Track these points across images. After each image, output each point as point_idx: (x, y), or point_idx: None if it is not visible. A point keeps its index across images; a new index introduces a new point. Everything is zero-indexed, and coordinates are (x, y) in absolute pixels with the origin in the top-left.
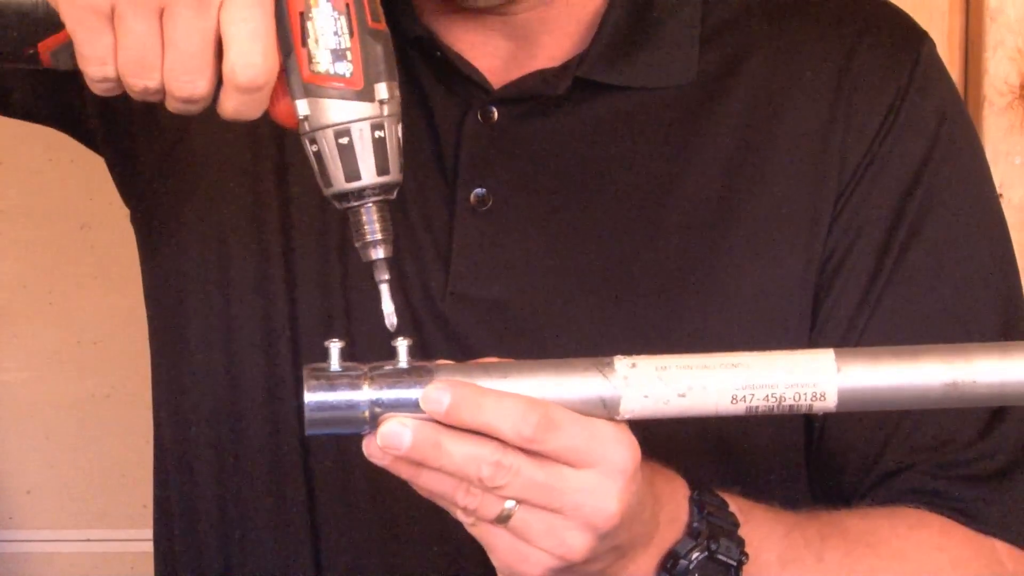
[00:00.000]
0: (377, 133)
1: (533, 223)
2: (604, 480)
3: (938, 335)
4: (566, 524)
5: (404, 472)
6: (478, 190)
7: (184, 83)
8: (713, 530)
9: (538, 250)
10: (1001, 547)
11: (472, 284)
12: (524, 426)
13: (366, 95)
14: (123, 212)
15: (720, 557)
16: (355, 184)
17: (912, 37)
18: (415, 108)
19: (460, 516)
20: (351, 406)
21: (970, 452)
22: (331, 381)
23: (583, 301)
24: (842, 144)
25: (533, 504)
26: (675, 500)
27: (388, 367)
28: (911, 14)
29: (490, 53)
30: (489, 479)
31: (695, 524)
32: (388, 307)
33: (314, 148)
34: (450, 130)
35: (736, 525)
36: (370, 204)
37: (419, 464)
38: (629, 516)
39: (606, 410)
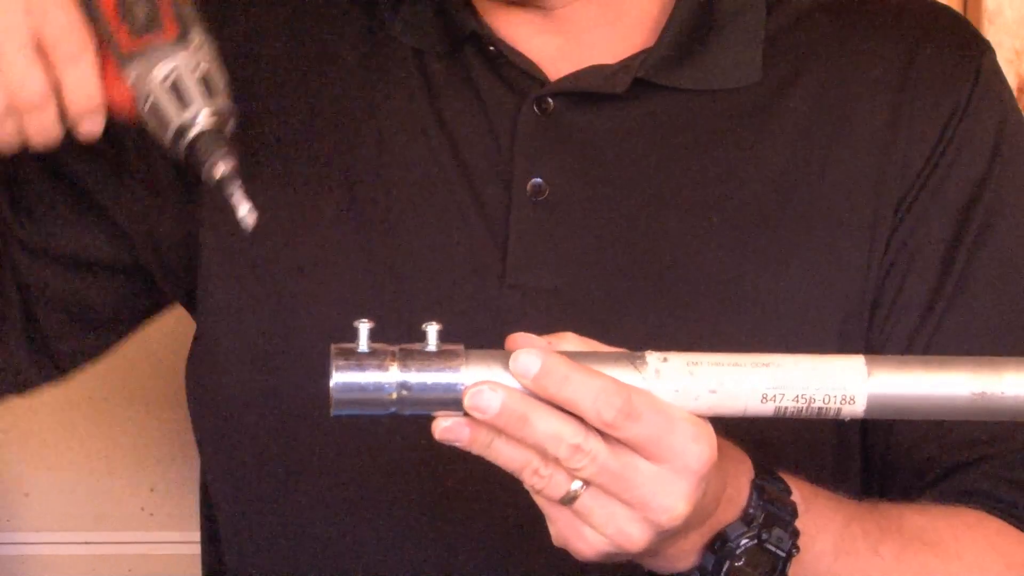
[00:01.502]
0: (200, 70)
1: (589, 215)
2: (676, 478)
3: (1002, 352)
4: (630, 515)
5: (478, 443)
6: (535, 180)
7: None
8: (768, 518)
9: (593, 242)
10: None
11: (528, 274)
12: (606, 409)
13: (182, 42)
14: None
15: (769, 547)
16: (188, 112)
17: (974, 45)
18: (470, 103)
19: (526, 484)
20: (379, 388)
21: (1021, 457)
22: (360, 361)
23: (634, 296)
24: (905, 150)
25: (604, 490)
26: (738, 482)
27: (417, 349)
28: None
29: (541, 47)
30: (566, 459)
31: (751, 510)
32: (243, 209)
33: (148, 105)
34: (506, 122)
35: (794, 515)
36: (207, 129)
37: (498, 433)
38: (695, 513)
39: None
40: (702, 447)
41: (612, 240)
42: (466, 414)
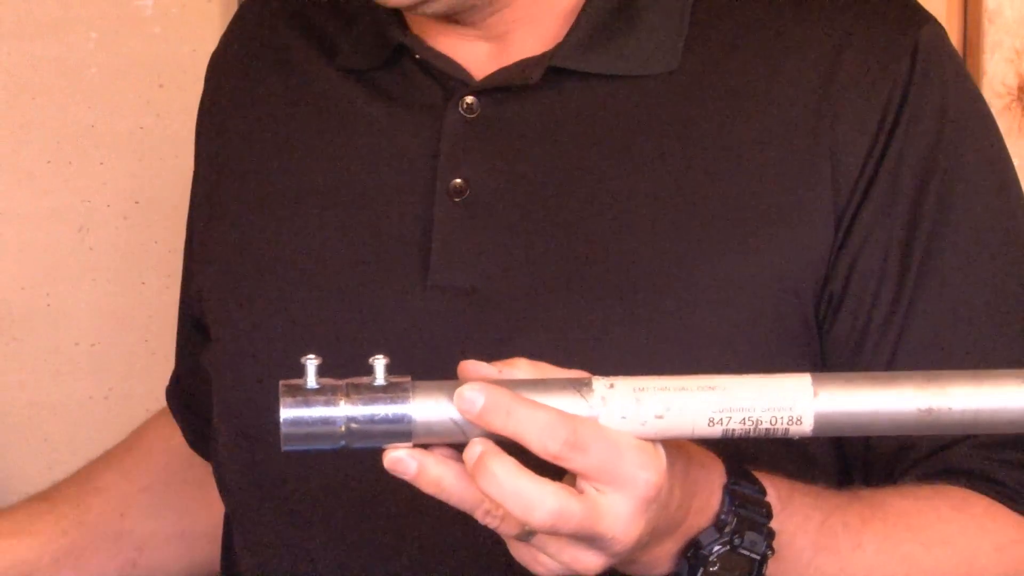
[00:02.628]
0: None
1: (510, 212)
2: (624, 504)
3: (976, 333)
4: (583, 548)
5: (425, 482)
6: (455, 180)
7: None
8: (740, 523)
9: (514, 239)
10: None
11: (450, 274)
12: (552, 442)
13: None
14: (121, 214)
15: (743, 551)
16: None
17: (910, 21)
18: (404, 110)
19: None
20: (327, 422)
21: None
22: (307, 397)
23: (557, 291)
24: (832, 140)
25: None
26: (709, 488)
27: (365, 383)
28: None
29: (470, 52)
30: (495, 524)
31: (723, 516)
32: None
33: None
34: (434, 124)
35: (768, 516)
36: None
37: (444, 478)
38: (648, 532)
39: None
40: (649, 474)
41: (533, 236)
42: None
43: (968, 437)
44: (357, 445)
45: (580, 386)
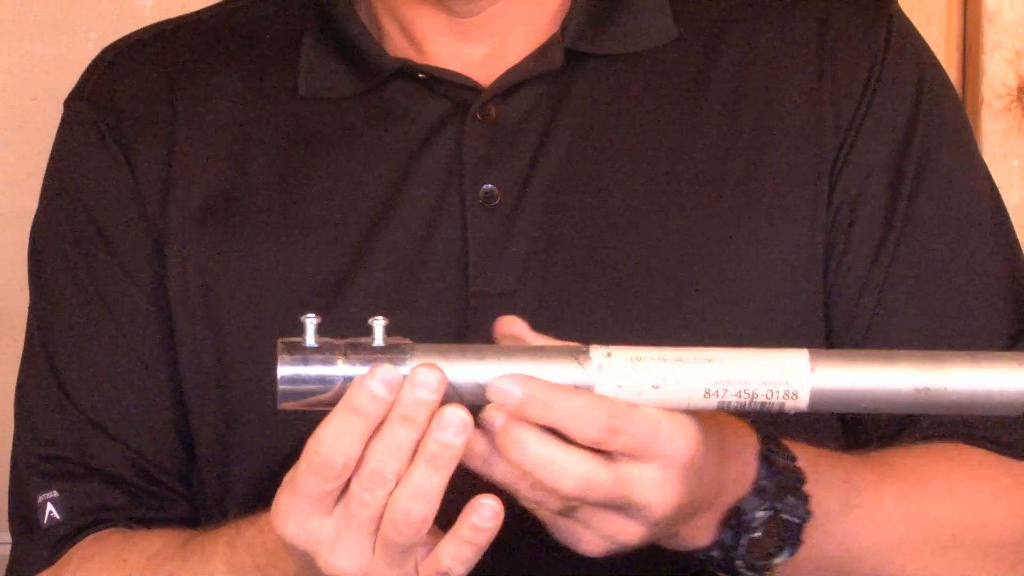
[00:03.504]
0: None
1: (542, 211)
2: (663, 473)
3: (954, 281)
4: (624, 518)
5: (473, 458)
6: (486, 186)
7: None
8: (780, 488)
9: (550, 240)
10: None
11: (489, 279)
12: (590, 428)
13: None
14: None
15: (784, 516)
16: None
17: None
18: (415, 128)
19: (524, 502)
20: (324, 380)
21: None
22: (305, 356)
23: (596, 287)
24: (833, 103)
25: (595, 504)
26: (743, 457)
27: (364, 343)
28: (908, 14)
29: (468, 56)
30: (533, 498)
31: (762, 482)
32: None
33: None
34: (452, 136)
35: (803, 481)
36: None
37: (494, 453)
38: (688, 500)
39: None
40: (681, 442)
41: (567, 232)
42: None
43: None
44: None
45: (578, 354)
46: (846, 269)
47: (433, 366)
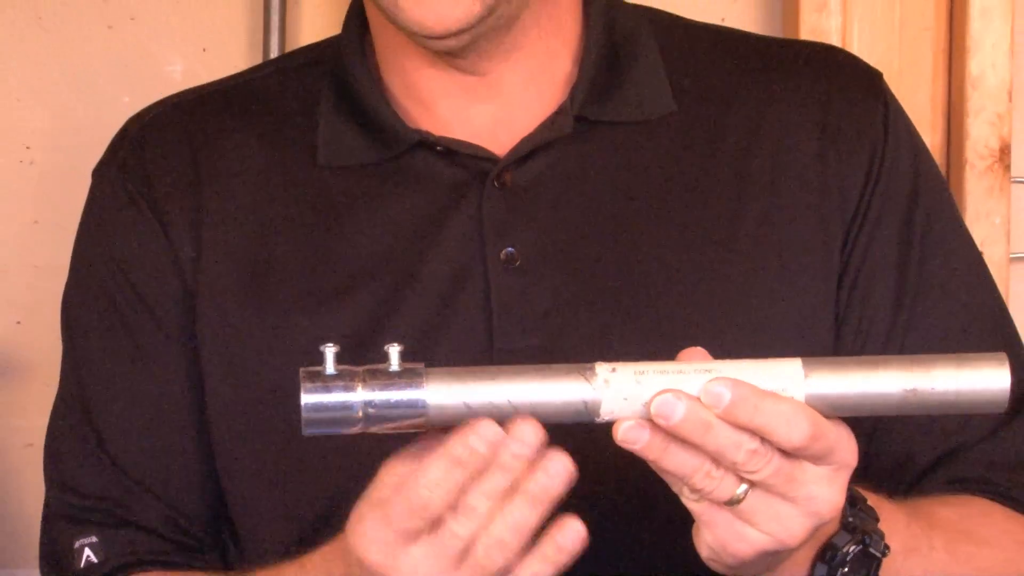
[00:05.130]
0: None
1: (560, 271)
2: (835, 474)
3: (962, 336)
4: (795, 512)
5: (652, 449)
6: (507, 249)
7: None
8: (864, 524)
9: (568, 295)
10: None
11: (514, 336)
12: (796, 432)
13: None
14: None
15: (871, 551)
16: None
17: (872, 74)
18: (436, 191)
19: (686, 494)
20: (346, 407)
21: (997, 440)
22: (326, 383)
23: (616, 341)
24: (839, 180)
25: (770, 491)
26: None
27: (381, 369)
28: (897, 80)
29: (478, 119)
30: (744, 463)
31: (850, 519)
32: None
33: None
34: (472, 202)
35: (877, 519)
36: None
37: (674, 441)
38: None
39: (587, 412)
40: (854, 446)
41: (585, 291)
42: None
43: (961, 448)
44: (374, 429)
45: (584, 370)
46: (864, 337)
47: (531, 420)
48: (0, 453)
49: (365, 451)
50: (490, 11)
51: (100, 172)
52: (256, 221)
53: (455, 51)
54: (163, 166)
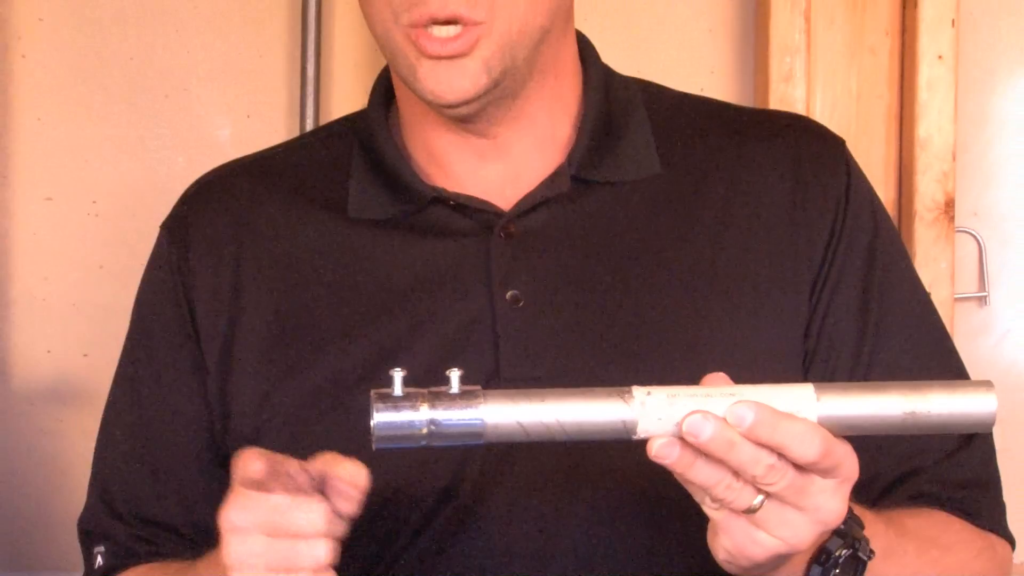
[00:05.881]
0: None
1: (559, 310)
2: (840, 486)
3: (922, 367)
4: (804, 520)
5: (681, 464)
6: (512, 292)
7: None
8: (854, 531)
9: (567, 331)
10: (995, 539)
11: (518, 368)
12: (810, 449)
13: None
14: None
15: (859, 554)
16: None
17: (836, 140)
18: (450, 239)
19: (707, 503)
20: (412, 425)
21: (952, 462)
22: (395, 404)
23: (609, 369)
24: (807, 235)
25: (783, 501)
26: None
27: (443, 391)
28: (854, 143)
29: (487, 177)
30: (763, 476)
31: (842, 526)
32: None
33: None
34: (480, 250)
35: (863, 527)
36: None
37: (700, 456)
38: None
39: (625, 430)
40: (856, 461)
41: (582, 325)
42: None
43: (919, 470)
44: (436, 444)
45: (623, 393)
46: (832, 371)
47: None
48: (69, 470)
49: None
50: (495, 83)
51: (162, 227)
52: (291, 270)
53: (467, 117)
54: (204, 235)
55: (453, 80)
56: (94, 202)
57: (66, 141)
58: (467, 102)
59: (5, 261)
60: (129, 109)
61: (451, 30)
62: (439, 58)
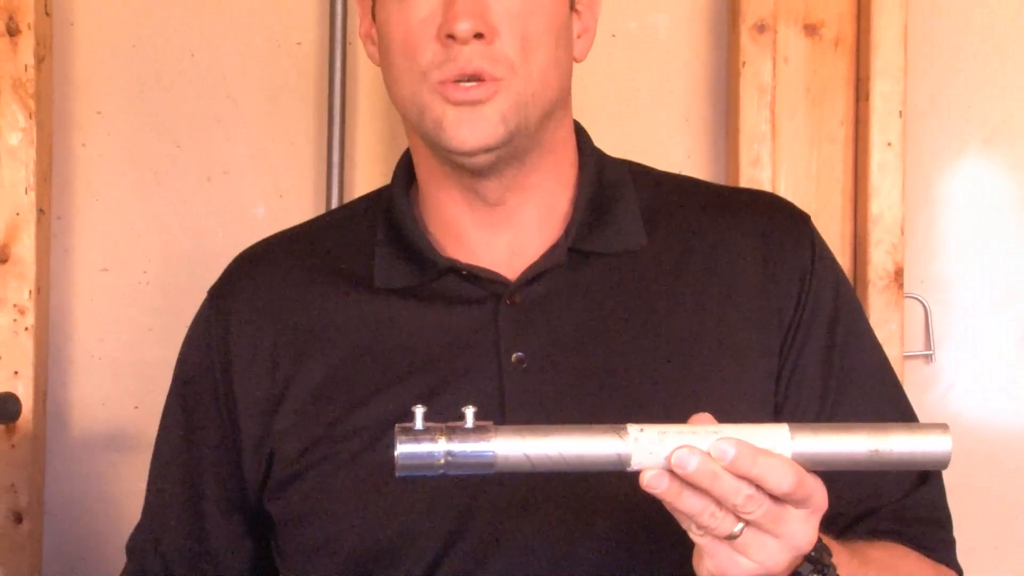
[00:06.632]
0: None
1: (559, 370)
2: (810, 516)
3: (879, 416)
4: (780, 545)
5: (670, 493)
6: (517, 353)
7: None
8: (823, 558)
9: (568, 388)
10: (946, 569)
11: (522, 420)
12: (785, 481)
13: None
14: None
15: None
16: None
17: (803, 219)
18: (463, 306)
19: (693, 530)
20: (431, 456)
21: (908, 501)
22: (416, 437)
23: (604, 420)
24: (777, 301)
25: (761, 528)
26: None
27: (459, 426)
28: (815, 219)
29: (495, 248)
30: (742, 505)
31: (812, 553)
32: None
33: None
34: (489, 316)
35: (831, 554)
36: None
37: (687, 487)
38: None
39: (620, 462)
40: (825, 494)
41: (579, 386)
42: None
43: (876, 509)
44: (452, 472)
45: (619, 430)
46: (800, 419)
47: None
48: (121, 508)
49: (402, 511)
50: (510, 136)
51: (208, 293)
52: (325, 336)
53: (482, 171)
54: (243, 309)
55: (475, 126)
56: (144, 272)
57: (120, 219)
58: (485, 150)
59: (66, 324)
60: (176, 190)
61: (474, 84)
62: (463, 103)
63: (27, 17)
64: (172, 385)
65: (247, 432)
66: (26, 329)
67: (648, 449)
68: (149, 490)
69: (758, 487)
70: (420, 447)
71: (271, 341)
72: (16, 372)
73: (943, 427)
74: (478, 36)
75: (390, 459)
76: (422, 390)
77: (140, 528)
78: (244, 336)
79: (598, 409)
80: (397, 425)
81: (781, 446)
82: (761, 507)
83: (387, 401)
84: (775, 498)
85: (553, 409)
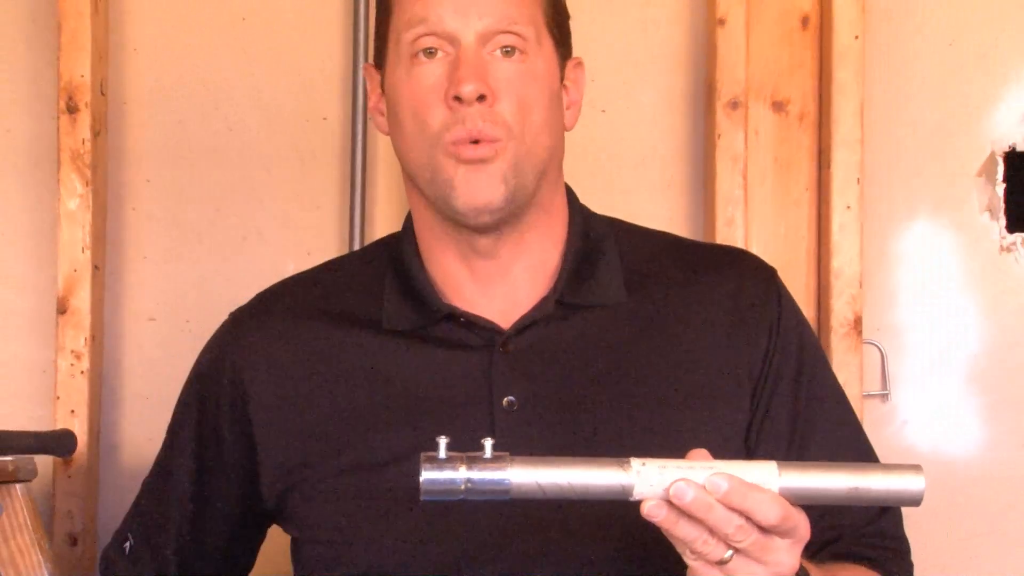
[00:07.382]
0: None
1: (547, 414)
2: (794, 545)
3: (842, 453)
4: (765, 572)
5: (668, 521)
6: (508, 398)
7: None
8: None
9: (554, 430)
10: None
11: None
12: (772, 514)
13: None
14: None
15: None
16: None
17: (769, 271)
18: (460, 351)
19: (687, 555)
20: (452, 482)
21: (871, 528)
22: (439, 465)
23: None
24: (748, 350)
25: (749, 556)
26: None
27: (478, 456)
28: (781, 273)
29: (489, 298)
30: (733, 534)
31: (799, 573)
32: None
33: None
34: (483, 362)
35: (808, 575)
36: None
37: (683, 516)
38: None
39: (623, 492)
40: (808, 526)
41: (565, 428)
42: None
43: (841, 536)
44: (472, 498)
45: (622, 463)
46: (769, 455)
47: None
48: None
49: (417, 538)
50: (511, 195)
51: (230, 316)
52: (334, 368)
53: (486, 228)
54: (258, 348)
55: (482, 183)
56: (187, 321)
57: (166, 274)
58: (492, 210)
59: (118, 368)
60: (215, 249)
61: (478, 144)
62: (471, 162)
63: (85, 97)
64: (185, 386)
65: (254, 437)
66: (82, 373)
67: (649, 481)
68: (149, 488)
69: (748, 518)
70: (443, 474)
71: (282, 361)
72: (73, 411)
73: (917, 468)
74: (481, 99)
75: (414, 485)
76: (420, 429)
77: (126, 526)
78: (258, 353)
79: (579, 451)
80: (422, 454)
81: (770, 482)
82: (750, 537)
83: (390, 436)
84: (763, 529)
85: (539, 449)
